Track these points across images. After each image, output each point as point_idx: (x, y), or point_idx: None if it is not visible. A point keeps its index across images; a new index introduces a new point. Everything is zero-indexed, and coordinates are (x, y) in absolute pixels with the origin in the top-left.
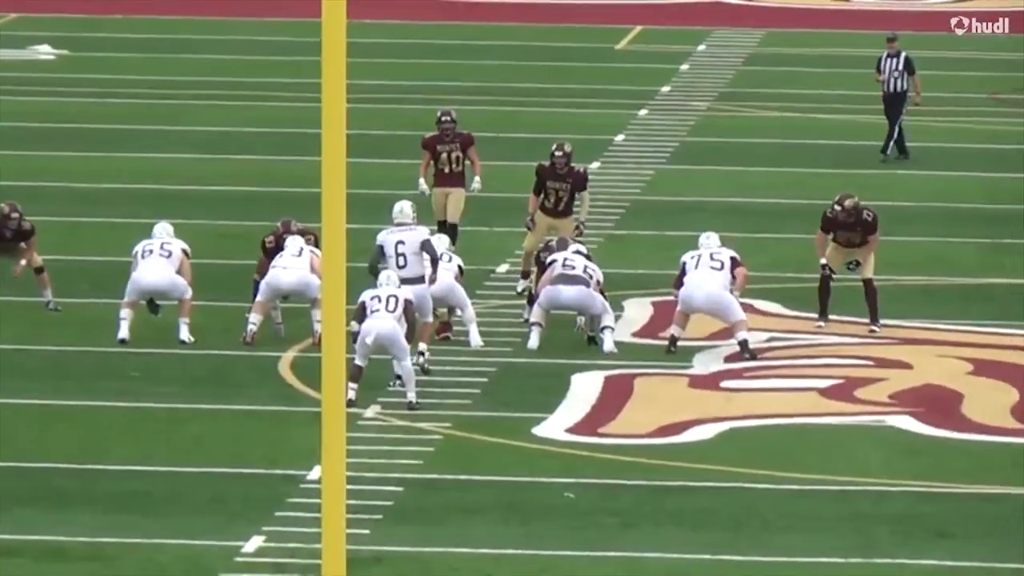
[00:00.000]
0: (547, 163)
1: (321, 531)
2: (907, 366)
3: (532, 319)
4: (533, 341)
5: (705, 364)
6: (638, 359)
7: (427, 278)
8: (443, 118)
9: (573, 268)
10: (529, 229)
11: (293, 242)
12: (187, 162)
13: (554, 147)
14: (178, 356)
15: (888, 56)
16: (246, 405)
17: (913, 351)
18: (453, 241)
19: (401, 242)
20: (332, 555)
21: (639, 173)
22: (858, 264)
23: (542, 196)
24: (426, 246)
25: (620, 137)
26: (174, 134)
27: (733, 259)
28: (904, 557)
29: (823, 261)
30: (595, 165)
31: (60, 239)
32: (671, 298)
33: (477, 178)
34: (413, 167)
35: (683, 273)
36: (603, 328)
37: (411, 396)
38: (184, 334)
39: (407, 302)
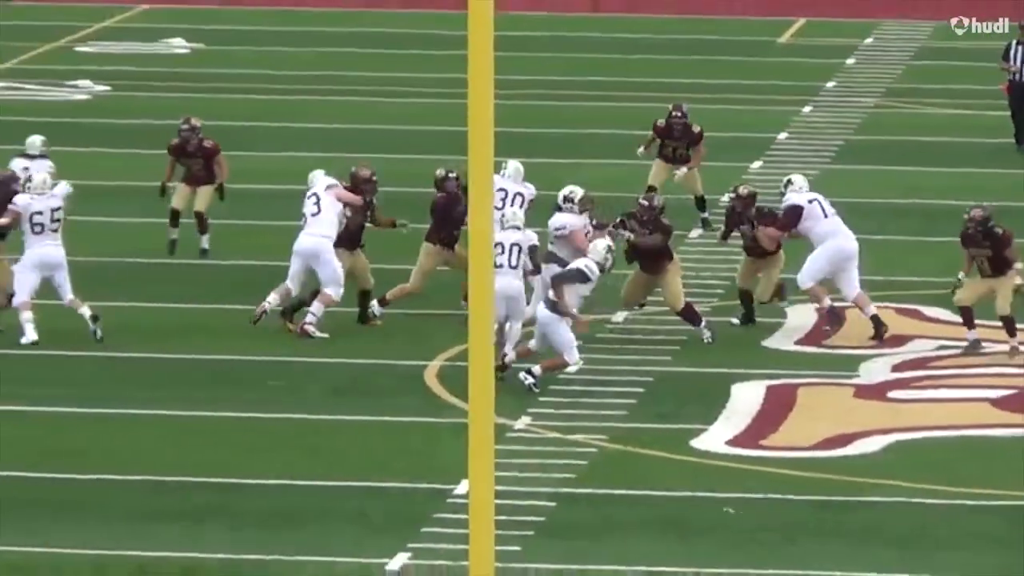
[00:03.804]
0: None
1: (468, 548)
2: None
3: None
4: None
5: (871, 373)
6: (801, 367)
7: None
8: (674, 113)
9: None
10: None
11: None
12: (316, 162)
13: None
14: (317, 364)
15: (1018, 43)
16: (390, 416)
17: None
18: (703, 208)
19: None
20: (480, 573)
21: (802, 173)
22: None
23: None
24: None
25: (783, 135)
26: (309, 132)
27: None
28: None
29: (960, 275)
30: (756, 165)
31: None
32: (836, 304)
33: (684, 168)
34: (564, 167)
35: (795, 213)
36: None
37: (510, 355)
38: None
39: (532, 248)
